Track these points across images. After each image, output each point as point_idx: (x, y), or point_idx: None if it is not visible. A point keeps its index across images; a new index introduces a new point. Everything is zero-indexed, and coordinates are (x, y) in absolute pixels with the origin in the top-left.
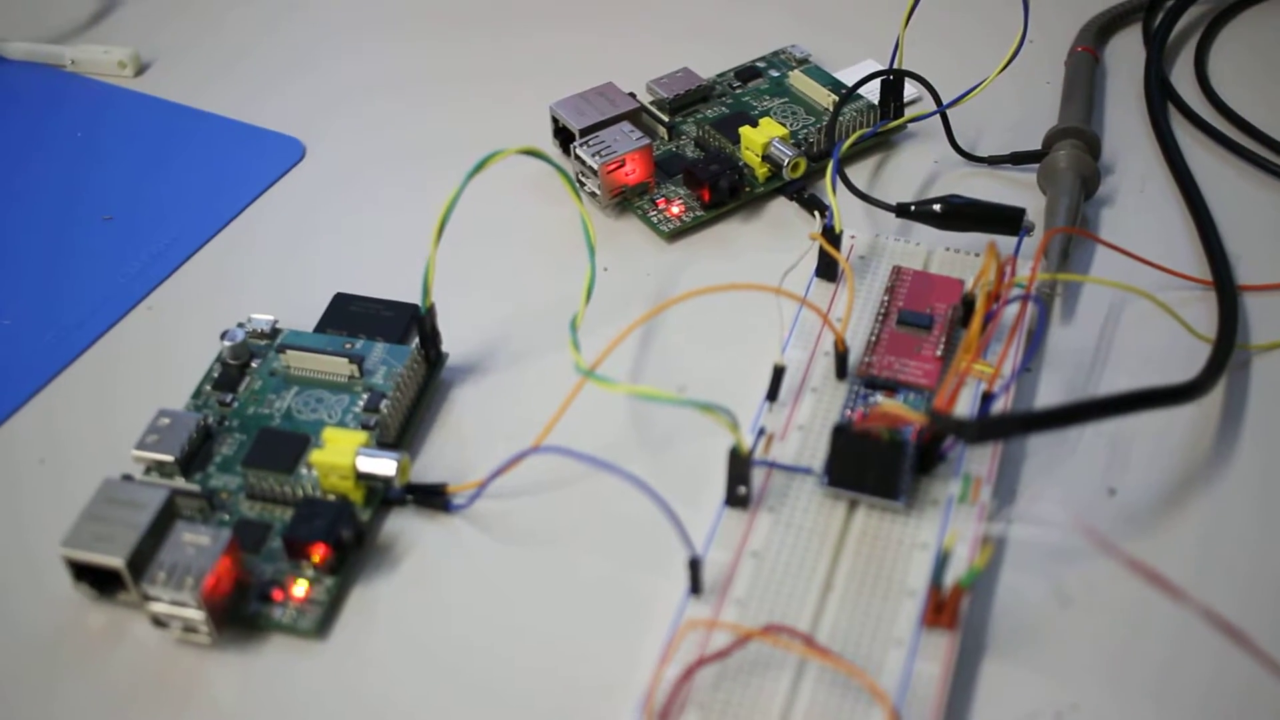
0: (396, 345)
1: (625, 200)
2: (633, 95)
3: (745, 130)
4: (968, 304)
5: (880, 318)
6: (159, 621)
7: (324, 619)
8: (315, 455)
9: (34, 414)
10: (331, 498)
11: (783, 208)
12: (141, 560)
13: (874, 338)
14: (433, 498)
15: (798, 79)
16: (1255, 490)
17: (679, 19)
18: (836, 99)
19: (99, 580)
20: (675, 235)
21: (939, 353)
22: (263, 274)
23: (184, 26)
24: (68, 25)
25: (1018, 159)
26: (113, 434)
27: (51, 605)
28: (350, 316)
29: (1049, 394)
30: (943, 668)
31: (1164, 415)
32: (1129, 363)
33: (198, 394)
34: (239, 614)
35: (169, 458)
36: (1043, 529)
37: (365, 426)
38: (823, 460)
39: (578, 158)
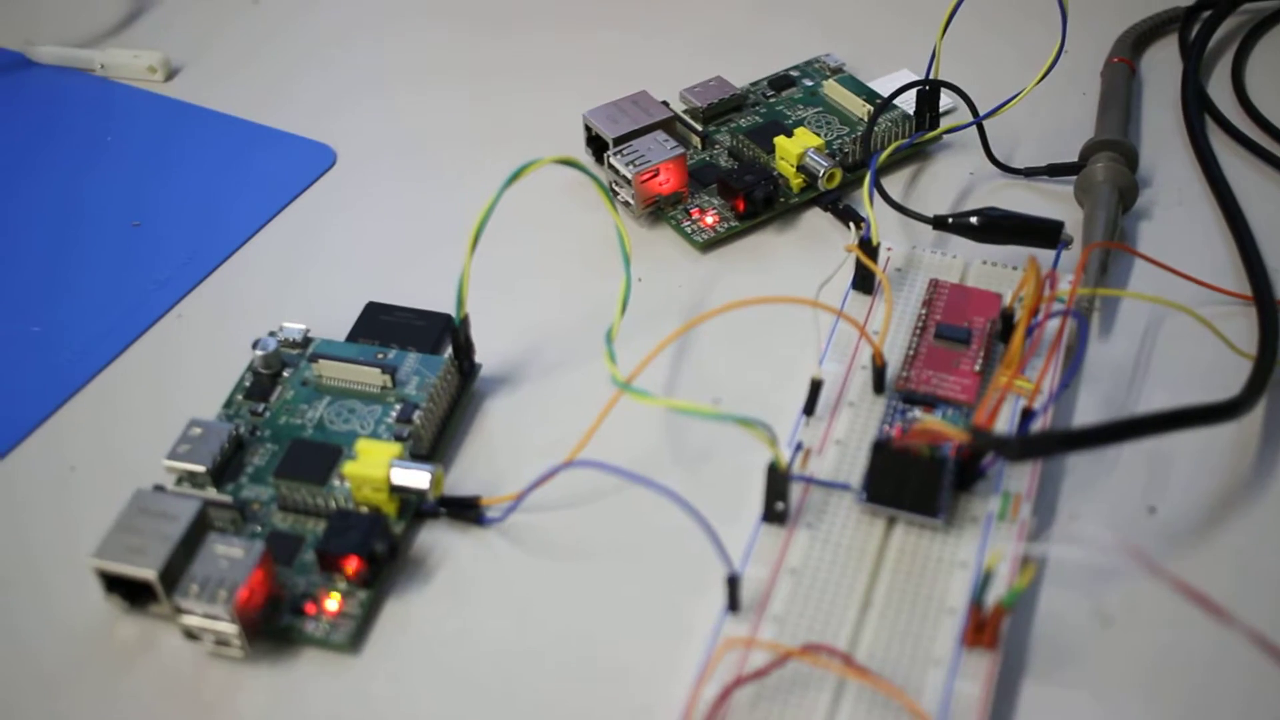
0: (429, 355)
1: (659, 210)
2: (666, 104)
3: (780, 140)
4: (1005, 318)
5: (918, 331)
6: (191, 634)
7: (357, 633)
8: (348, 467)
9: (64, 423)
10: (364, 510)
11: (817, 219)
12: (174, 572)
13: (911, 352)
14: (466, 511)
15: (832, 88)
16: None
17: (711, 27)
18: (871, 109)
19: (130, 592)
20: (709, 246)
21: (977, 368)
22: (294, 282)
23: (214, 31)
24: (97, 29)
25: (1054, 171)
26: (143, 443)
27: (82, 616)
28: (382, 326)
29: (1087, 410)
30: (983, 688)
31: (1204, 432)
32: (1168, 378)
33: (229, 403)
34: (271, 627)
35: (201, 468)
36: (1086, 548)
37: (398, 438)
38: (861, 476)
39: (611, 167)
